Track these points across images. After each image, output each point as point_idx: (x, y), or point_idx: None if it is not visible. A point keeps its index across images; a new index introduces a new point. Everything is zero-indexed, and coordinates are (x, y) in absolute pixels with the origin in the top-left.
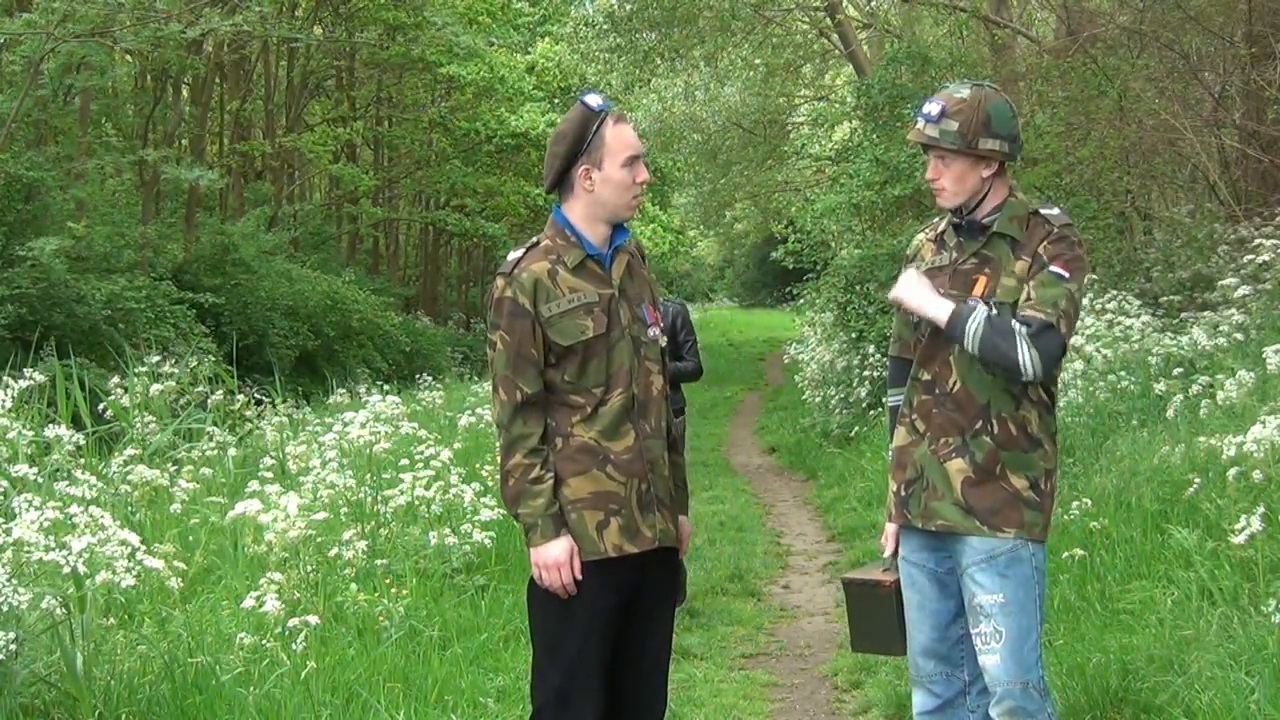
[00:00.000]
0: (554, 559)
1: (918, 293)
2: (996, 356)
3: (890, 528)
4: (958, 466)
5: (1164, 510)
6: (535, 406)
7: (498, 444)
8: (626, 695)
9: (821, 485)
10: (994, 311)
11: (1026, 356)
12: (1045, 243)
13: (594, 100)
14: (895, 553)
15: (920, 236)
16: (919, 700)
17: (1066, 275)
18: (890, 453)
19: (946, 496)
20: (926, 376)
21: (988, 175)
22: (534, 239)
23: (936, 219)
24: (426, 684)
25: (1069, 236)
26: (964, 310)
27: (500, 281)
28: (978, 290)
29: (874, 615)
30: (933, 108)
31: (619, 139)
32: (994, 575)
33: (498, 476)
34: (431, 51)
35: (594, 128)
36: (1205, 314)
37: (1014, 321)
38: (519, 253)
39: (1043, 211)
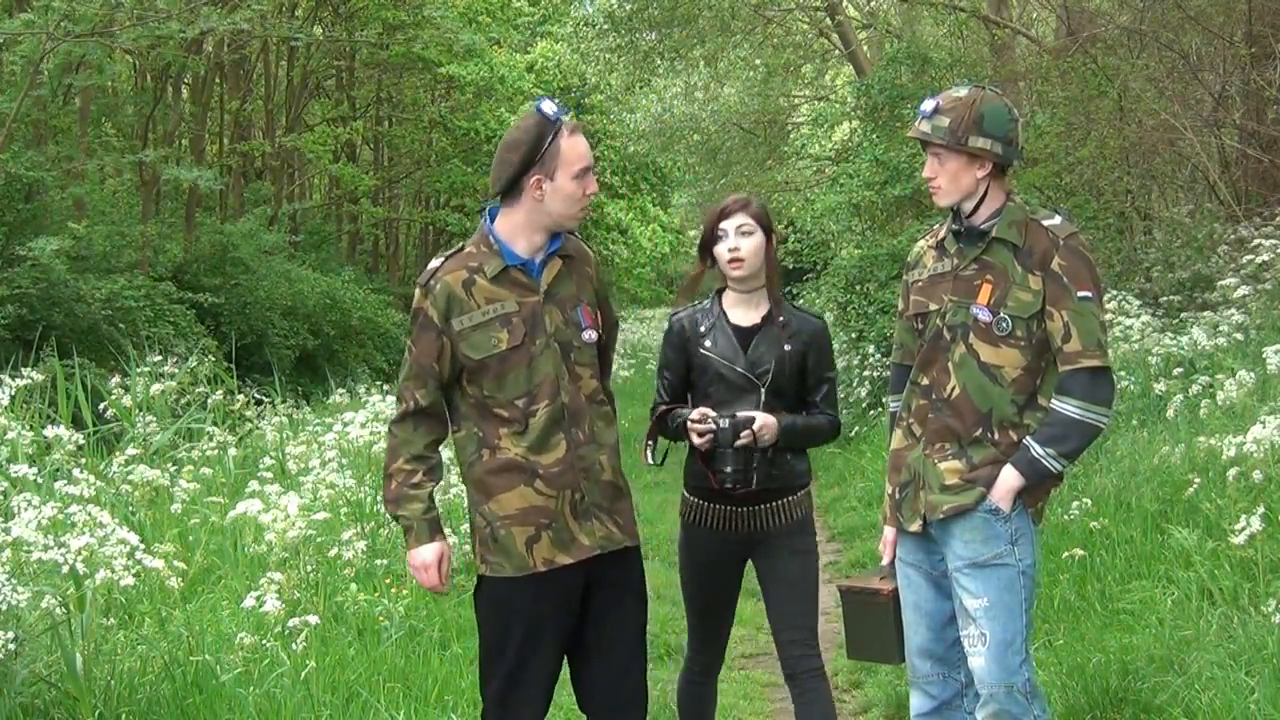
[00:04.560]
0: (423, 561)
1: (1007, 490)
2: (1086, 444)
3: (889, 532)
4: (952, 467)
5: (1164, 510)
6: (428, 417)
7: (386, 445)
8: (604, 696)
9: (821, 485)
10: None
11: (1097, 418)
12: (1058, 258)
13: (549, 108)
14: (894, 559)
15: (921, 243)
16: (916, 702)
17: (1092, 295)
18: (888, 456)
19: (938, 489)
20: (925, 381)
21: (982, 176)
22: (460, 245)
23: (936, 225)
24: (426, 684)
25: (1079, 248)
26: (1024, 457)
27: (418, 292)
28: (982, 298)
29: (870, 624)
30: (929, 104)
31: (574, 150)
32: (979, 578)
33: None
34: (432, 50)
35: (550, 138)
36: (1205, 314)
37: (1057, 403)
38: (438, 262)
39: (1044, 222)
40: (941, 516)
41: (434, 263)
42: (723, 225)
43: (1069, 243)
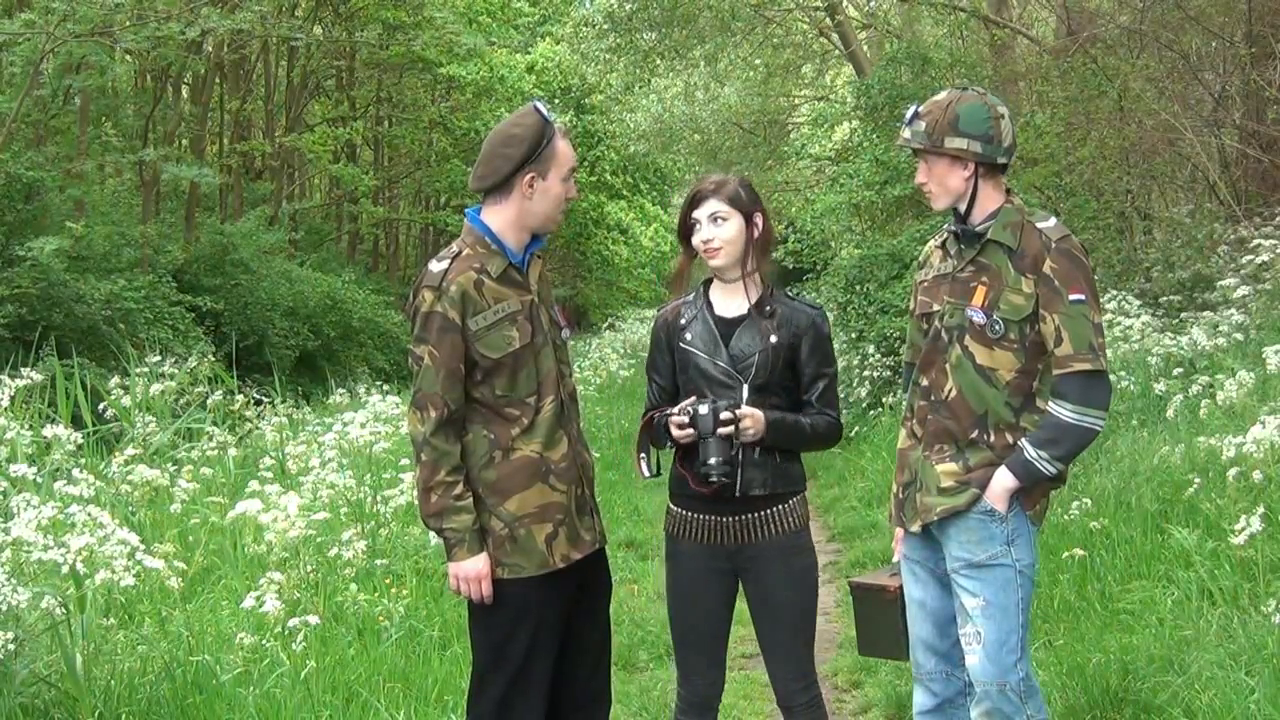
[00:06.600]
0: (478, 572)
1: (1001, 492)
2: (1080, 447)
3: (899, 531)
4: (948, 469)
5: (1164, 510)
6: (456, 423)
7: (421, 458)
8: (574, 694)
9: (821, 485)
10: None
11: (1092, 422)
12: (1049, 261)
13: (545, 109)
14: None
15: (931, 243)
16: (919, 698)
17: (1084, 298)
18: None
19: (934, 492)
20: (924, 382)
21: (968, 176)
22: (454, 249)
23: (945, 225)
24: (426, 684)
25: (1070, 250)
26: (1019, 459)
27: (429, 295)
28: (976, 300)
29: (878, 620)
30: (911, 111)
31: (565, 153)
32: (976, 579)
33: (415, 492)
34: (432, 50)
35: (548, 137)
36: (1205, 314)
37: (1053, 406)
38: (444, 264)
39: (1038, 224)
40: (936, 519)
41: (438, 265)
42: (695, 214)
43: (1060, 245)
